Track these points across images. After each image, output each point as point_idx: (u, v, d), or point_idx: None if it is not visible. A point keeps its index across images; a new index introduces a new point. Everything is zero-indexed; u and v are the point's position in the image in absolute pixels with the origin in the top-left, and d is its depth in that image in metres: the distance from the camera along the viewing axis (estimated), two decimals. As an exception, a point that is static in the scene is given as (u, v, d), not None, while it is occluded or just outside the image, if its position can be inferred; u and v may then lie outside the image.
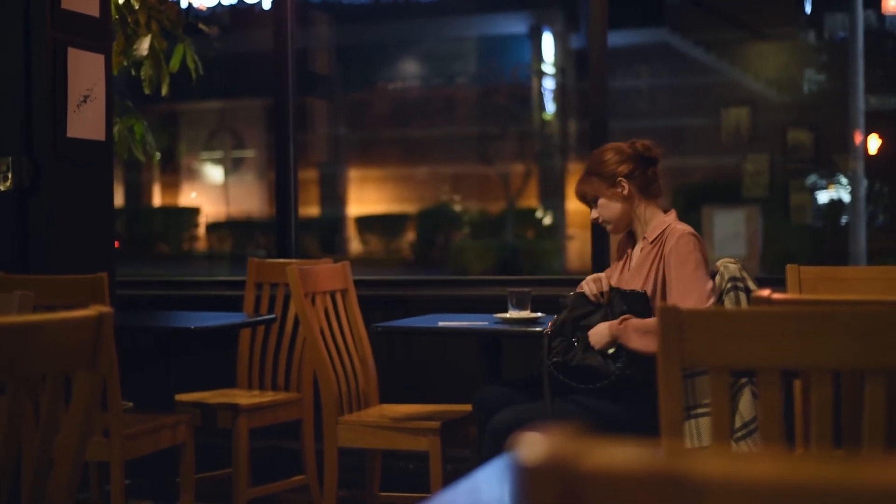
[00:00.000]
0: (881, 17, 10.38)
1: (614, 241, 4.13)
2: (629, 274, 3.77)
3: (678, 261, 3.60)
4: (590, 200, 3.83)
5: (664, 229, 3.70)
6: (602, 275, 3.77)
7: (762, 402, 1.89)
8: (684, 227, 3.67)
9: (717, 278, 3.57)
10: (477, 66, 14.71)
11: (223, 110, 15.47)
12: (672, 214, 3.78)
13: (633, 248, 3.84)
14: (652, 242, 3.71)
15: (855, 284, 3.70)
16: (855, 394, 2.01)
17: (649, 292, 3.64)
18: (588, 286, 3.70)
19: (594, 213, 3.83)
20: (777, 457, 0.74)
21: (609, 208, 3.79)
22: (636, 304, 3.60)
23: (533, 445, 0.78)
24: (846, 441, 2.10)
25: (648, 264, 3.69)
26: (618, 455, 0.77)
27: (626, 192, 3.75)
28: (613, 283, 3.83)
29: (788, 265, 3.80)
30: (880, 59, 10.50)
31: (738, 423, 3.41)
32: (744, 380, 3.41)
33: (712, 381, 1.89)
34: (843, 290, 3.63)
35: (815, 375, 1.90)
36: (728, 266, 3.57)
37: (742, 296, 3.50)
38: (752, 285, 3.52)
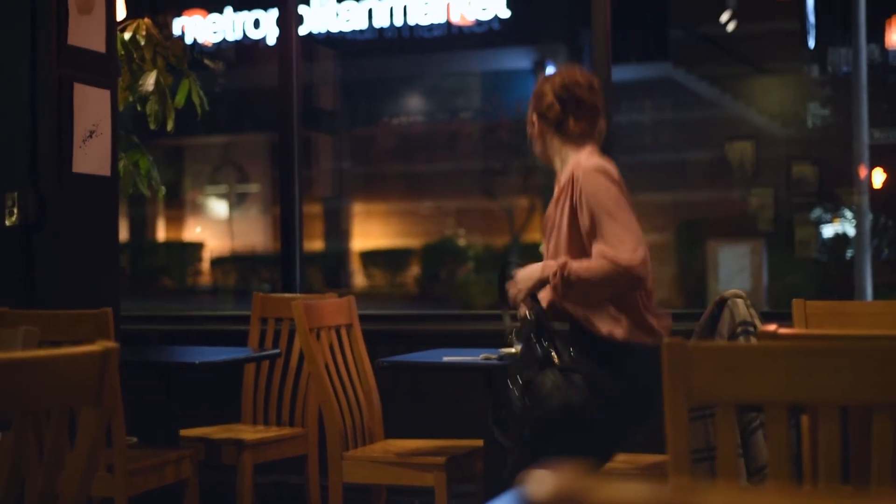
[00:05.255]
0: (884, 52, 10.40)
1: None
2: (549, 223, 3.59)
3: (596, 206, 3.37)
4: None
5: (572, 173, 3.47)
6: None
7: (769, 438, 1.88)
8: (590, 164, 3.44)
9: (727, 313, 3.49)
10: (481, 100, 14.75)
11: (228, 145, 15.51)
12: (585, 150, 3.54)
13: None
14: (562, 189, 3.50)
15: (861, 319, 3.69)
16: (863, 429, 2.00)
17: (563, 245, 3.46)
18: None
19: None
20: (784, 493, 0.74)
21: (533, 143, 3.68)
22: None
23: (541, 482, 0.77)
24: (854, 477, 2.09)
25: (558, 216, 3.50)
26: (625, 491, 0.77)
27: (535, 129, 3.61)
28: (547, 229, 3.60)
29: (795, 300, 3.78)
30: (884, 93, 10.51)
31: (752, 468, 3.36)
32: (756, 423, 3.36)
33: (719, 416, 1.88)
34: (849, 325, 3.62)
35: (823, 411, 1.89)
36: (737, 304, 3.48)
37: (753, 340, 3.43)
38: (759, 324, 3.45)
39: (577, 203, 3.42)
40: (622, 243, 3.32)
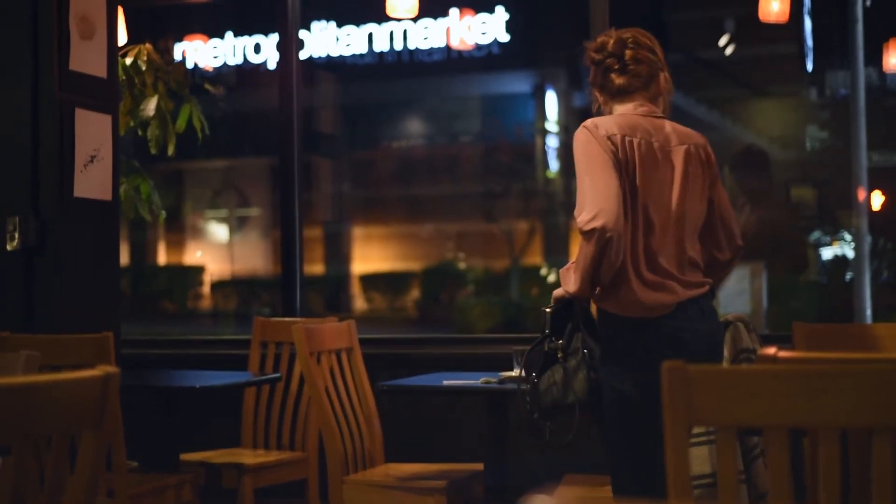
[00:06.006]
0: (882, 75, 10.43)
1: None
2: None
3: (576, 166, 3.23)
4: None
5: None
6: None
7: (770, 461, 1.88)
8: (585, 121, 3.28)
9: (729, 337, 3.46)
10: (481, 124, 14.79)
11: (228, 169, 15.55)
12: (629, 105, 3.38)
13: None
14: None
15: (861, 342, 3.69)
16: (863, 452, 2.00)
17: None
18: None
19: None
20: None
21: None
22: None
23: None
24: (854, 500, 2.09)
25: None
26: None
27: (600, 100, 3.46)
28: None
29: (795, 322, 3.76)
30: (882, 116, 10.54)
31: (753, 496, 3.35)
32: (757, 450, 3.35)
33: (719, 439, 1.88)
34: (849, 348, 3.61)
35: (823, 434, 1.89)
36: (740, 329, 3.45)
37: None
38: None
39: None
40: (582, 206, 3.16)
